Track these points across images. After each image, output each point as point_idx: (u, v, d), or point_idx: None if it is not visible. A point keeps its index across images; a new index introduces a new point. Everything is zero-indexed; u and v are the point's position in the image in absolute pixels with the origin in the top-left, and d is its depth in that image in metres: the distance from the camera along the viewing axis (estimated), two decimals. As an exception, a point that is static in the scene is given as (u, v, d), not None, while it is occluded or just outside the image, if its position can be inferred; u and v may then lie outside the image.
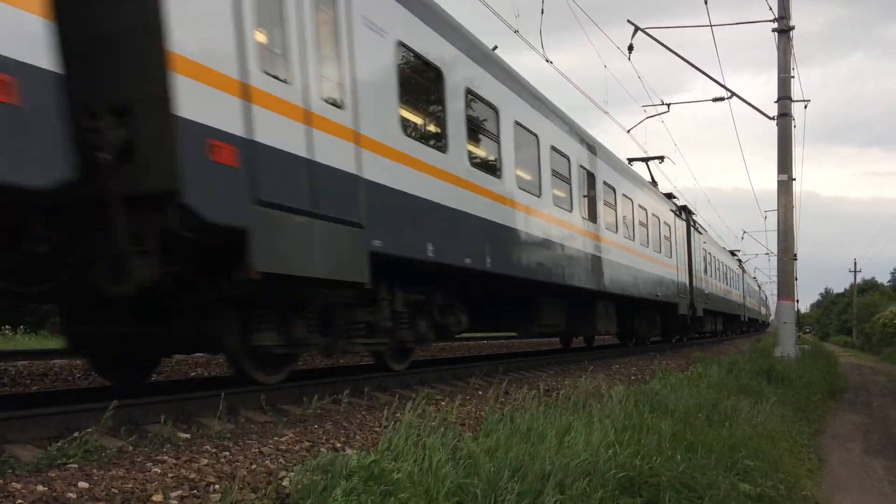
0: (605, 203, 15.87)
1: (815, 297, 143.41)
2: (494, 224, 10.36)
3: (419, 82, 9.07)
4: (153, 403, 5.79)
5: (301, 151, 6.52)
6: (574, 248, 13.64)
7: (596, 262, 14.88)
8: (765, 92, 55.76)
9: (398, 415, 5.90)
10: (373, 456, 4.20)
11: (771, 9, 18.33)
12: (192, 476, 4.04)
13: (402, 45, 8.33)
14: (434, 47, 9.06)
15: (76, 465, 4.09)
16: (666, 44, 18.99)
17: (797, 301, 41.44)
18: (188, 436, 5.20)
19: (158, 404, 5.81)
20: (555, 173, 13.00)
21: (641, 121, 24.09)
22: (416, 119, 8.95)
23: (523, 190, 11.49)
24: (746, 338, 44.56)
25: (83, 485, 3.71)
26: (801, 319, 74.72)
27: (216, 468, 4.27)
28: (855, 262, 75.79)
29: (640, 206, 18.87)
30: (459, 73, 9.67)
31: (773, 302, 68.48)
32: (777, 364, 14.68)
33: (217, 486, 3.90)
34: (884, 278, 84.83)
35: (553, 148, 12.96)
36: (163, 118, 5.28)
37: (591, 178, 15.10)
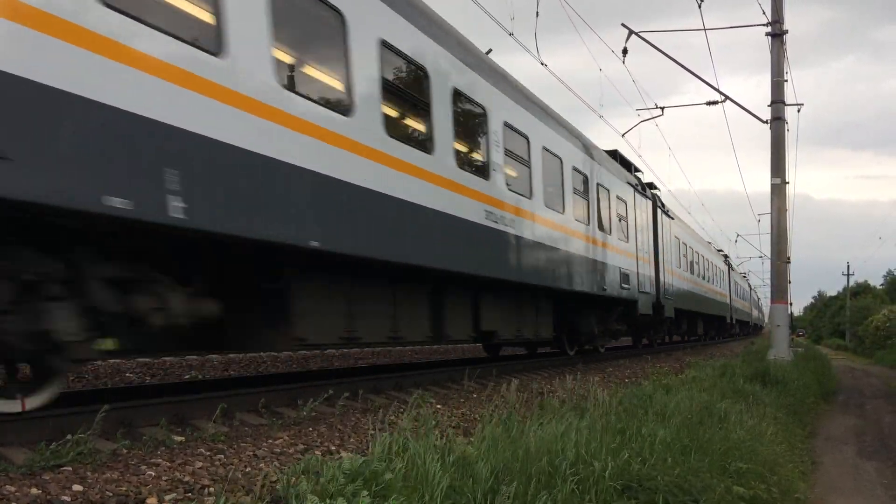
0: (512, 156, 11.25)
1: (808, 300, 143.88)
2: (211, 146, 5.63)
3: None
4: (147, 406, 5.80)
5: None
6: (447, 216, 9.18)
7: (493, 238, 10.43)
8: (758, 94, 55.89)
9: (392, 417, 5.91)
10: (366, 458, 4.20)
11: (764, 12, 18.39)
12: (187, 479, 4.05)
13: None
14: None
15: (70, 468, 4.08)
16: (660, 47, 19.06)
17: (791, 304, 41.52)
18: (182, 438, 5.21)
19: (152, 407, 5.81)
20: (388, 83, 8.11)
21: (636, 124, 24.19)
22: None
23: (308, 98, 6.83)
24: (736, 342, 44.26)
25: (77, 487, 3.71)
26: (794, 322, 74.99)
27: (210, 471, 4.28)
28: (848, 266, 75.74)
29: (575, 170, 14.13)
30: None
31: (766, 305, 68.61)
32: (771, 367, 14.72)
33: (212, 489, 3.90)
34: (876, 281, 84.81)
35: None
36: None
37: (481, 115, 10.38)
